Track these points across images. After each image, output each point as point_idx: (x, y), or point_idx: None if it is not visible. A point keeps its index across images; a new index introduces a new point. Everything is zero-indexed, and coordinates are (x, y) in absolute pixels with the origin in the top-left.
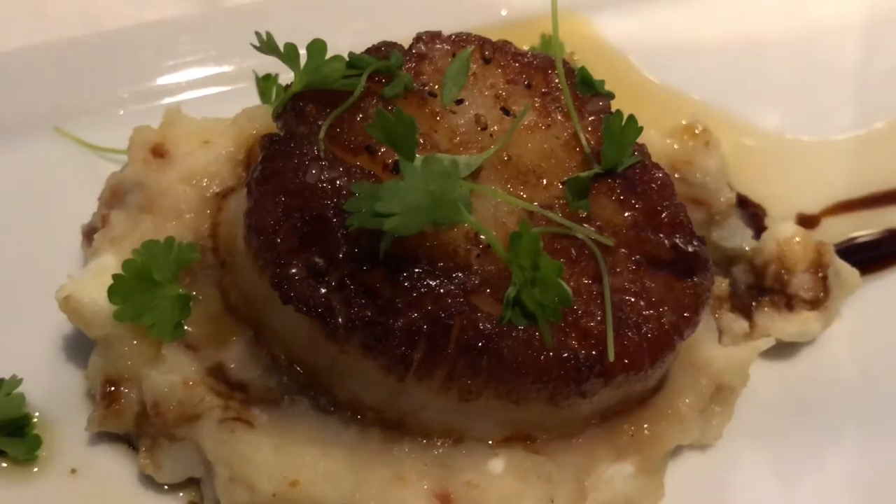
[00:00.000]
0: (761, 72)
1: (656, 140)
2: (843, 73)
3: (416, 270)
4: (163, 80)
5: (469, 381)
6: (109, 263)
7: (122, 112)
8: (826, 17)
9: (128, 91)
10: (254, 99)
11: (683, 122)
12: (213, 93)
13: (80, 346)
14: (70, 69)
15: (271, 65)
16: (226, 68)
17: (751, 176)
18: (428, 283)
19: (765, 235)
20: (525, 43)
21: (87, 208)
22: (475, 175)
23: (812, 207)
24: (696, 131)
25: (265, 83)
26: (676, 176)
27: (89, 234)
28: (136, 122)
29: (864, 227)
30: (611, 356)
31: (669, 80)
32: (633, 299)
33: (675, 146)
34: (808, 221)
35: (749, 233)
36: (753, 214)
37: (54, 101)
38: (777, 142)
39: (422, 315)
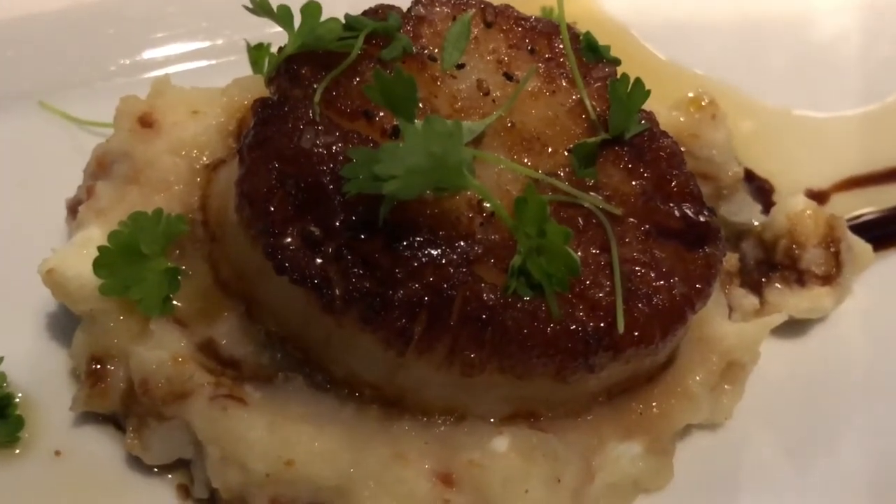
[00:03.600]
0: (767, 47)
1: (662, 112)
2: (850, 48)
3: (417, 239)
4: (150, 53)
5: (472, 354)
6: (95, 236)
7: (109, 85)
8: None
9: (114, 64)
10: (245, 72)
11: (689, 95)
12: (202, 66)
13: (64, 323)
14: (55, 42)
15: (262, 37)
16: (216, 41)
17: (759, 152)
18: (429, 253)
19: (775, 209)
20: None
21: (73, 183)
22: (477, 142)
23: (821, 183)
24: (703, 104)
25: (257, 53)
26: (683, 149)
27: (74, 208)
28: (122, 96)
29: (875, 203)
30: (620, 328)
31: (674, 55)
32: (642, 270)
33: (682, 119)
34: (817, 197)
35: (758, 207)
36: (761, 189)
37: (39, 75)
38: (784, 117)
39: (422, 286)
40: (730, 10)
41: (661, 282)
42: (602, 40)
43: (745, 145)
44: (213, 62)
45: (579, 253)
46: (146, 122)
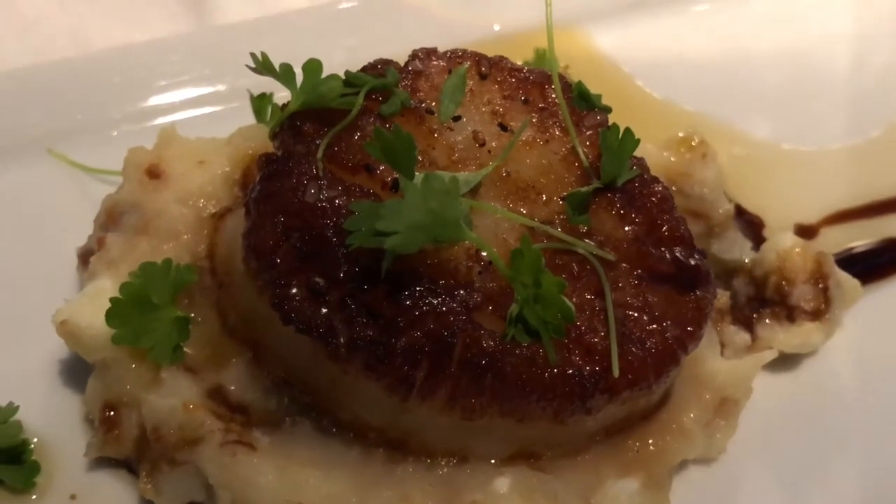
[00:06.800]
0: (756, 83)
1: (653, 152)
2: (836, 83)
3: (418, 289)
4: (155, 100)
5: (473, 399)
6: (106, 286)
7: (115, 133)
8: (818, 28)
9: (120, 112)
10: (248, 118)
11: (680, 135)
12: (206, 112)
13: (77, 371)
14: (61, 90)
15: (265, 83)
16: (219, 87)
17: (748, 187)
18: (430, 301)
19: (764, 247)
20: (519, 57)
21: (83, 231)
22: (474, 192)
23: (810, 217)
24: (693, 143)
25: (260, 102)
26: (674, 188)
27: (85, 256)
28: (129, 143)
29: (863, 236)
30: (615, 372)
31: (665, 91)
32: (635, 314)
33: (672, 158)
34: (806, 232)
35: (748, 244)
36: (751, 225)
37: (46, 123)
38: (773, 152)
39: (424, 333)
40: (719, 48)
41: (654, 325)
42: (594, 78)
43: (735, 180)
44: (217, 108)
45: (574, 299)
46: (154, 174)
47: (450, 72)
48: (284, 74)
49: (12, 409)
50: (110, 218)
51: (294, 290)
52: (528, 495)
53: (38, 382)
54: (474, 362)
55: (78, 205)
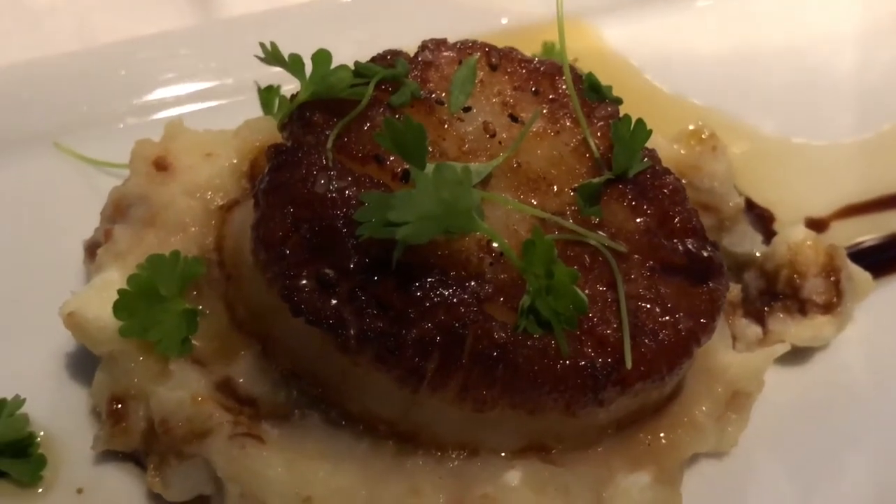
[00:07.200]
0: (766, 77)
1: (663, 145)
2: (846, 77)
3: (429, 280)
4: (161, 93)
5: (484, 391)
6: (114, 279)
7: (121, 126)
8: (827, 22)
9: (126, 105)
10: (255, 111)
11: (690, 128)
12: (213, 105)
13: (84, 363)
14: (67, 84)
15: (272, 76)
16: (226, 80)
17: (758, 181)
18: (441, 293)
19: (776, 240)
20: (526, 51)
21: (89, 223)
22: (485, 183)
23: (821, 211)
24: (703, 136)
25: (267, 94)
26: (684, 181)
27: (92, 249)
28: (135, 136)
29: (874, 230)
30: (628, 364)
31: (674, 86)
32: (648, 306)
33: (682, 151)
34: (817, 225)
35: (759, 238)
36: (761, 218)
37: (52, 117)
38: (783, 146)
39: (435, 325)
40: (728, 42)
41: (667, 317)
42: (603, 72)
43: (745, 174)
44: (224, 102)
45: (587, 290)
46: (161, 166)
47: (460, 62)
48: (293, 64)
49: (19, 401)
50: (117, 210)
51: (304, 282)
52: (539, 488)
53: (45, 375)
54: (485, 354)
55: (84, 197)
